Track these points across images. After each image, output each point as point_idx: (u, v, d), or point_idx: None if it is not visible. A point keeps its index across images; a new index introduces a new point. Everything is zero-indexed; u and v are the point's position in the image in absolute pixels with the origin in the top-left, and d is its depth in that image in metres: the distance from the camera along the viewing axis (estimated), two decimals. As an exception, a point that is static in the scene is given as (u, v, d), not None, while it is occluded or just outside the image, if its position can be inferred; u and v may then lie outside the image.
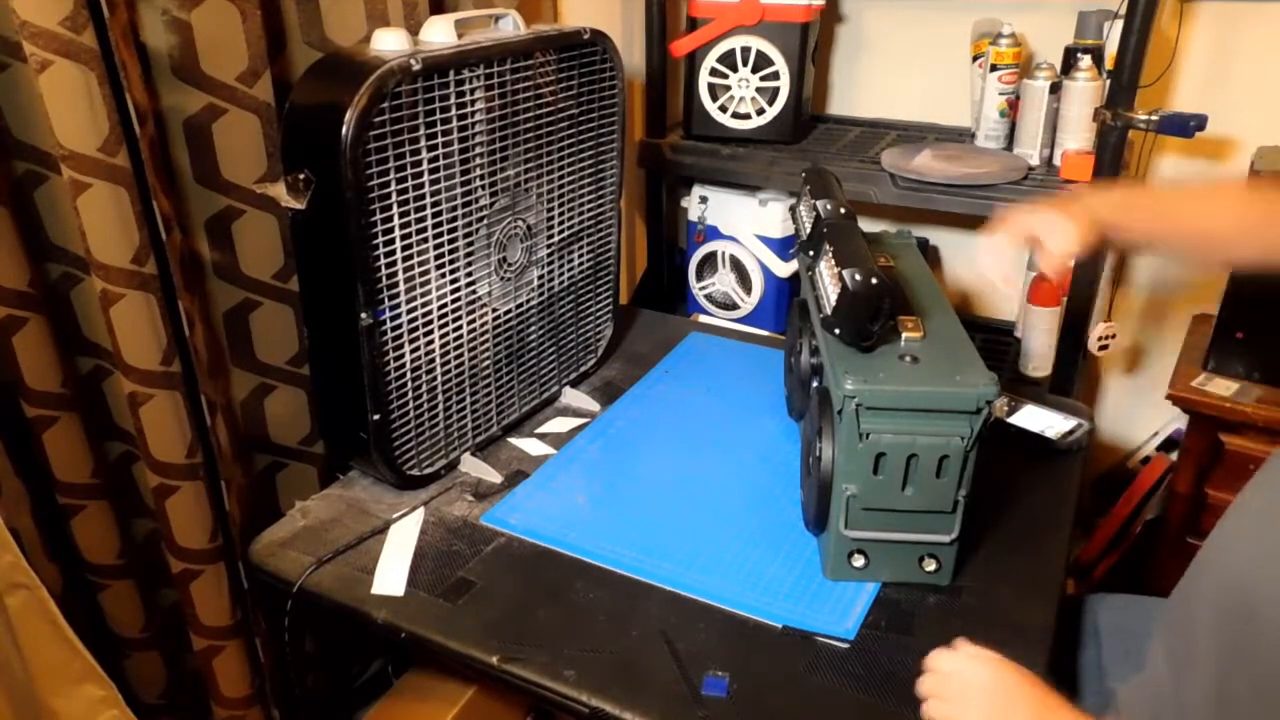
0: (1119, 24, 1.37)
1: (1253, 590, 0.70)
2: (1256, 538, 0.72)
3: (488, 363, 1.18)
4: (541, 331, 1.27)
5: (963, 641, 0.77)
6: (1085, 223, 0.91)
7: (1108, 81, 1.41)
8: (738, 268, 1.75)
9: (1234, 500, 0.78)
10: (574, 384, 1.36)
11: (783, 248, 1.70)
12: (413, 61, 0.93)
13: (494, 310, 1.17)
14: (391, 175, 0.95)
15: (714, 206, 1.73)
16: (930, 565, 0.95)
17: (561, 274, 1.27)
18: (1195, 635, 0.77)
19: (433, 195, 1.00)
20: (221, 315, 1.07)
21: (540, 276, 1.23)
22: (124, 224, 0.89)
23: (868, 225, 1.07)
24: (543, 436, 1.25)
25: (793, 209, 1.23)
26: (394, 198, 0.96)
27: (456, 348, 1.12)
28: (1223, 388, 1.41)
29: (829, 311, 0.95)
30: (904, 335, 0.96)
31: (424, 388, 1.09)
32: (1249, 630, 0.70)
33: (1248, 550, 0.73)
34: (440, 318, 1.08)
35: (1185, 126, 1.31)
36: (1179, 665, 0.79)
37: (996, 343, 1.73)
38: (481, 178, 1.07)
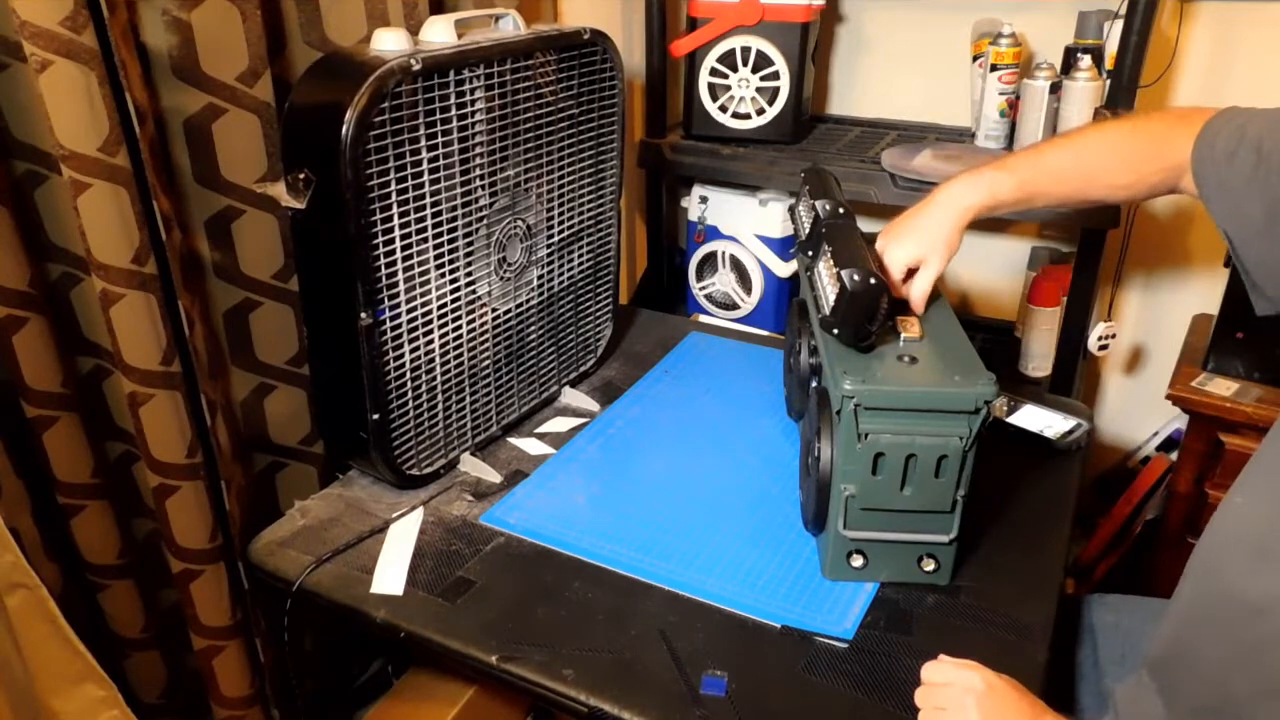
0: (1119, 24, 1.37)
1: (1255, 589, 0.70)
2: (1248, 545, 0.72)
3: (487, 362, 1.19)
4: (541, 331, 1.27)
5: (944, 656, 0.77)
6: (948, 238, 0.99)
7: (1108, 81, 1.41)
8: (738, 268, 1.75)
9: (1222, 500, 0.78)
10: (573, 384, 1.36)
11: (783, 248, 1.70)
12: (413, 61, 0.93)
13: (494, 310, 1.17)
14: (391, 175, 0.95)
15: (714, 206, 1.73)
16: (929, 565, 0.96)
17: (561, 274, 1.27)
18: (1195, 640, 0.77)
19: (433, 195, 1.01)
20: (221, 315, 1.08)
21: (540, 276, 1.23)
22: (124, 224, 0.89)
23: (868, 225, 1.07)
24: (542, 436, 1.25)
25: (792, 209, 1.23)
26: (394, 198, 0.96)
27: (456, 348, 1.12)
28: (1223, 388, 1.41)
29: (828, 311, 0.95)
30: (903, 335, 0.96)
31: (424, 387, 1.09)
32: (1251, 630, 0.70)
33: (1243, 556, 0.73)
34: (440, 318, 1.08)
35: (1185, 127, 1.31)
36: (1178, 667, 0.79)
37: (996, 343, 1.73)
38: (481, 178, 1.07)
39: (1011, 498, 1.11)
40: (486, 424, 1.21)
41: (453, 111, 1.00)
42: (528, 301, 1.23)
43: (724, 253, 1.75)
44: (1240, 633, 0.71)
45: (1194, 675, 0.76)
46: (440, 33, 1.02)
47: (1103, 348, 1.57)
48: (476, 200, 1.08)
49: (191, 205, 1.01)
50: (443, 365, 1.11)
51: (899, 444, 0.88)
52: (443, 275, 1.06)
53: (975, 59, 1.61)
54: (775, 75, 1.61)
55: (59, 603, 0.90)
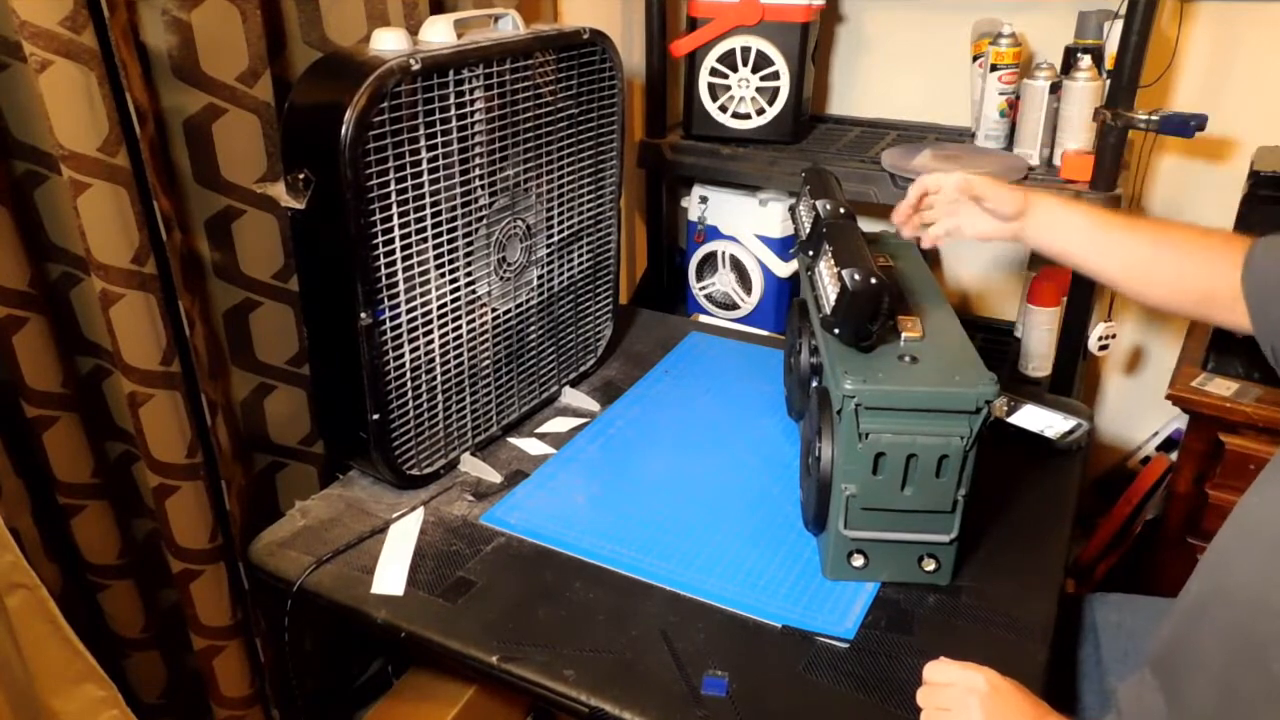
0: (1119, 24, 1.37)
1: (1263, 586, 0.70)
2: (1260, 544, 0.73)
3: (487, 362, 1.18)
4: (541, 331, 1.27)
5: (946, 659, 0.77)
6: (1023, 197, 0.98)
7: (1108, 81, 1.41)
8: (738, 268, 1.75)
9: (1234, 508, 0.78)
10: (574, 384, 1.36)
11: (783, 248, 1.70)
12: (412, 61, 0.93)
13: (494, 310, 1.17)
14: (391, 175, 0.95)
15: (714, 206, 1.73)
16: (930, 565, 0.95)
17: (561, 274, 1.27)
18: (1199, 638, 0.77)
19: (432, 195, 1.00)
20: (221, 315, 1.07)
21: (540, 276, 1.23)
22: (124, 224, 0.89)
23: (868, 225, 1.07)
24: (542, 436, 1.25)
25: (792, 209, 1.23)
26: (394, 198, 0.96)
27: (456, 348, 1.12)
28: (1223, 388, 1.41)
29: (828, 311, 0.95)
30: (903, 335, 0.96)
31: (424, 387, 1.09)
32: (1258, 629, 0.70)
33: (1253, 555, 0.73)
34: (440, 318, 1.08)
35: (1185, 126, 1.31)
36: (1180, 666, 0.79)
37: (996, 343, 1.73)
38: (481, 178, 1.07)
39: (1012, 498, 1.11)
40: (487, 424, 1.21)
41: (452, 111, 1.00)
42: (528, 301, 1.23)
43: (724, 253, 1.75)
44: (1246, 631, 0.71)
45: (1197, 674, 0.76)
46: (440, 33, 1.02)
47: (1103, 348, 1.57)
48: (476, 200, 1.08)
49: (191, 205, 1.01)
50: (443, 365, 1.11)
51: (900, 444, 0.88)
52: (443, 275, 1.06)
53: (975, 59, 1.61)
54: (775, 75, 1.61)
55: (59, 603, 0.90)
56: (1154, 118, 1.32)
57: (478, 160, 1.06)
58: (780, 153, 1.64)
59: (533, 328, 1.25)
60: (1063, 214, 0.98)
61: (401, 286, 1.01)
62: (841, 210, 1.06)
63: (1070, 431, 1.21)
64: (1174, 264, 0.91)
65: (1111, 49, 1.39)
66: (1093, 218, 0.97)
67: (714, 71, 1.64)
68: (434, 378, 1.10)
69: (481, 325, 1.16)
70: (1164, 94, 1.58)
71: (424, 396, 1.09)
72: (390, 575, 0.98)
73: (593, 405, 1.31)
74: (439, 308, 1.07)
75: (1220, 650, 0.73)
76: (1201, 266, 0.89)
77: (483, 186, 1.08)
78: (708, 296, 1.81)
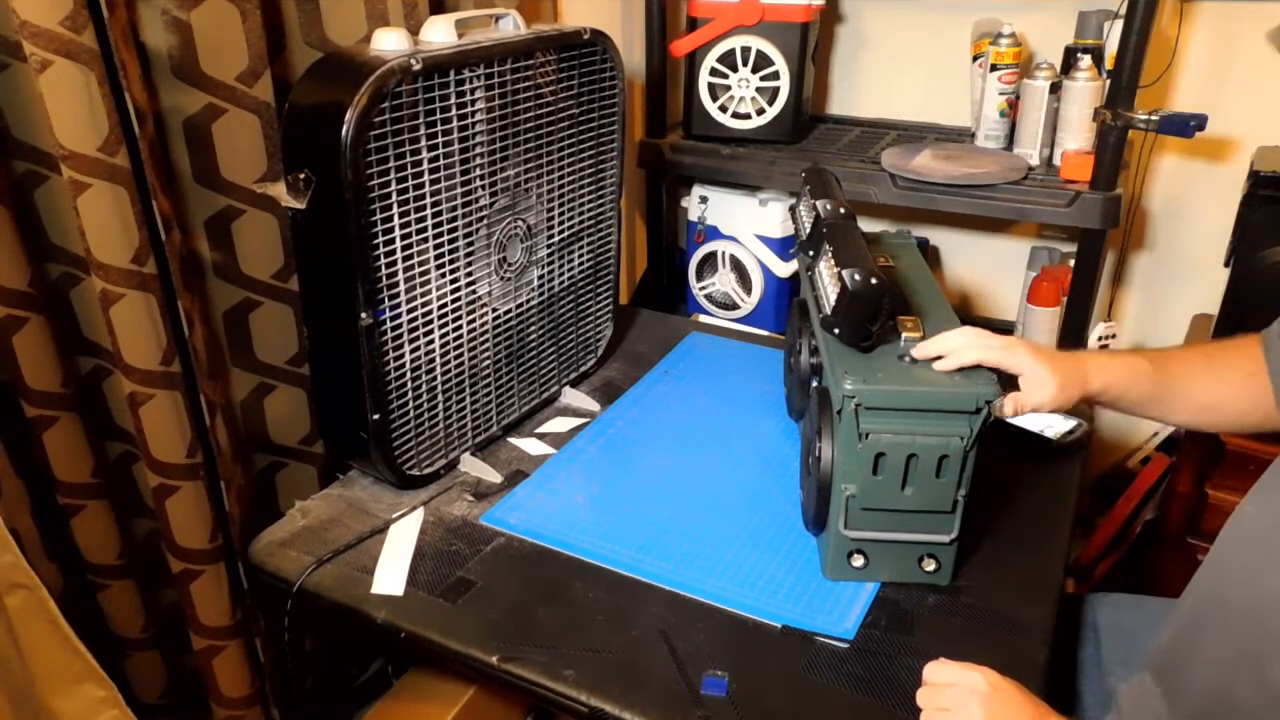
0: (1119, 24, 1.37)
1: (1259, 592, 0.70)
2: (1256, 552, 0.73)
3: (488, 362, 1.18)
4: (541, 331, 1.27)
5: (944, 659, 0.77)
6: (1070, 387, 0.91)
7: (1108, 81, 1.41)
8: (738, 268, 1.75)
9: (1231, 515, 0.78)
10: (574, 384, 1.36)
11: (783, 248, 1.70)
12: (413, 61, 0.93)
13: (494, 310, 1.17)
14: (391, 175, 0.95)
15: (714, 206, 1.73)
16: (930, 565, 0.95)
17: (561, 274, 1.27)
18: (1198, 644, 0.77)
19: (433, 195, 1.00)
20: (221, 315, 1.07)
21: (540, 276, 1.23)
22: (124, 224, 0.89)
23: (868, 225, 1.07)
24: (542, 436, 1.25)
25: (793, 209, 1.23)
26: (394, 198, 0.96)
27: (456, 348, 1.12)
28: (1223, 388, 1.41)
29: (829, 311, 0.95)
30: (903, 335, 0.96)
31: (424, 387, 1.09)
32: (1255, 635, 0.70)
33: (1250, 563, 0.73)
34: (440, 318, 1.08)
35: (1185, 126, 1.31)
36: (1180, 671, 0.79)
37: (996, 343, 1.73)
38: (481, 178, 1.07)
39: (1011, 498, 1.11)
40: (487, 424, 1.21)
41: (453, 111, 1.00)
42: (528, 301, 1.23)
43: (724, 253, 1.75)
44: (1244, 640, 0.71)
45: (1197, 679, 0.76)
46: (440, 33, 1.02)
47: (1103, 347, 1.57)
48: (477, 200, 1.08)
49: (191, 205, 1.01)
50: (443, 365, 1.11)
51: (900, 444, 0.88)
52: (443, 275, 1.06)
53: (975, 59, 1.61)
54: (775, 75, 1.61)
55: (59, 603, 0.90)
56: (1154, 118, 1.32)
57: (478, 160, 1.06)
58: (780, 153, 1.64)
59: (533, 328, 1.25)
60: (1115, 374, 0.93)
61: (402, 286, 1.01)
62: (841, 210, 1.06)
63: (1070, 431, 1.22)
64: (1234, 385, 0.91)
65: (1111, 49, 1.39)
66: (1146, 370, 0.92)
67: (714, 71, 1.64)
68: (434, 378, 1.10)
69: (482, 325, 1.16)
70: (1164, 94, 1.58)
71: (424, 396, 1.09)
72: (390, 575, 0.98)
73: (593, 405, 1.31)
74: (439, 308, 1.07)
75: (1218, 658, 0.73)
76: (1258, 377, 0.89)
77: (483, 186, 1.08)
78: (708, 296, 1.81)
